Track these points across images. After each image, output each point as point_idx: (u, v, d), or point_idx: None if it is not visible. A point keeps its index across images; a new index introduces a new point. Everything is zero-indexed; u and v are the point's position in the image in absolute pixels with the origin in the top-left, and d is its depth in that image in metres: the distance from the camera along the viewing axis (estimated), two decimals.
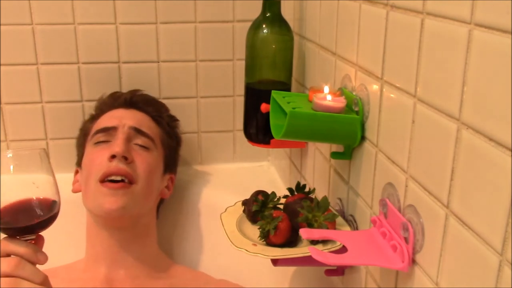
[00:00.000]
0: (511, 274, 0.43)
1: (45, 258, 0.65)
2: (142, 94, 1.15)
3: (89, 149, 1.03)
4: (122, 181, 0.95)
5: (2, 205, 0.64)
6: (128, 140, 1.00)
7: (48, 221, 0.66)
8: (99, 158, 0.98)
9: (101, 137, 1.02)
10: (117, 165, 0.95)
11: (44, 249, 0.67)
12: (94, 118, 1.10)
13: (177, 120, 1.18)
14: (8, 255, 0.63)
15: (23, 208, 0.66)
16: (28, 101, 1.18)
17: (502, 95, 0.43)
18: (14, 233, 0.65)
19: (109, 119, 1.05)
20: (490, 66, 0.45)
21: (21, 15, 1.13)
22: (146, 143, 1.02)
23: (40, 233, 0.67)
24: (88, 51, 1.17)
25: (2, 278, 0.61)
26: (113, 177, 0.95)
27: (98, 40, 1.17)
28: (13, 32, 1.14)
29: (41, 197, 0.66)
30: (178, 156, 1.17)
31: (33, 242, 0.66)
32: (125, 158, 0.96)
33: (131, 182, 0.96)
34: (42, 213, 0.66)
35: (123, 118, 1.04)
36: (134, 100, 1.11)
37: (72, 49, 1.17)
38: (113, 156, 0.96)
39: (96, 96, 1.18)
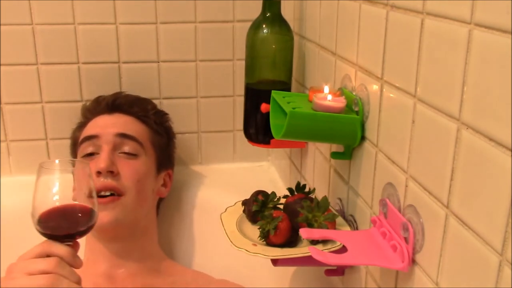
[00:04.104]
0: (511, 274, 0.43)
1: (80, 263, 0.69)
2: (125, 96, 1.12)
3: None
4: (111, 195, 0.95)
5: (44, 207, 0.67)
6: (114, 149, 0.99)
7: (87, 230, 0.69)
8: None
9: (87, 147, 1.01)
10: (104, 181, 0.95)
11: None
12: (81, 126, 1.09)
13: (165, 114, 1.16)
14: (48, 255, 0.66)
15: (65, 214, 0.69)
16: (28, 101, 1.18)
17: (502, 95, 0.43)
18: (56, 238, 0.68)
19: (92, 128, 1.04)
20: (490, 66, 0.45)
21: (21, 15, 1.13)
22: (134, 149, 1.01)
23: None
24: (88, 51, 1.17)
25: (42, 276, 0.64)
26: (102, 193, 0.95)
27: (98, 40, 1.17)
28: (13, 32, 1.14)
29: (81, 204, 0.69)
30: (173, 150, 1.16)
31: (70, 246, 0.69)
32: (111, 172, 0.96)
33: (119, 194, 0.96)
34: (82, 222, 0.69)
35: (107, 126, 1.03)
36: (117, 103, 1.08)
37: (72, 49, 1.17)
38: (99, 172, 0.95)
39: (96, 96, 1.18)
